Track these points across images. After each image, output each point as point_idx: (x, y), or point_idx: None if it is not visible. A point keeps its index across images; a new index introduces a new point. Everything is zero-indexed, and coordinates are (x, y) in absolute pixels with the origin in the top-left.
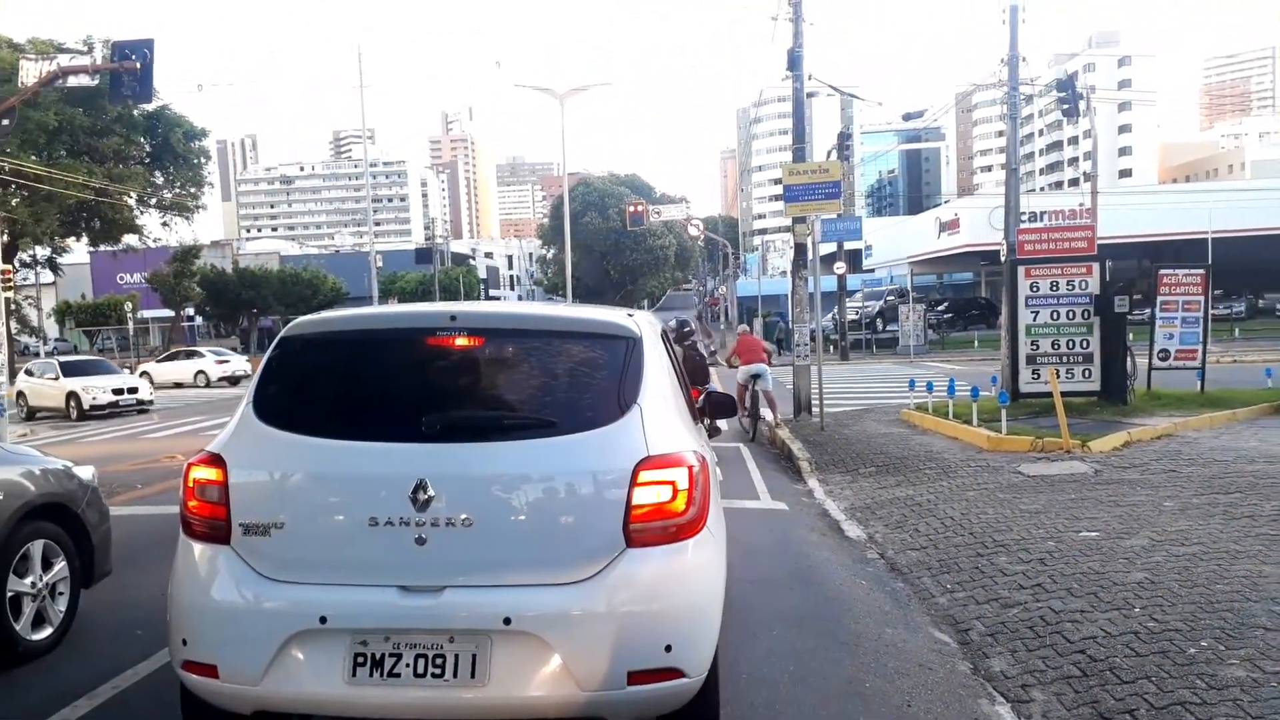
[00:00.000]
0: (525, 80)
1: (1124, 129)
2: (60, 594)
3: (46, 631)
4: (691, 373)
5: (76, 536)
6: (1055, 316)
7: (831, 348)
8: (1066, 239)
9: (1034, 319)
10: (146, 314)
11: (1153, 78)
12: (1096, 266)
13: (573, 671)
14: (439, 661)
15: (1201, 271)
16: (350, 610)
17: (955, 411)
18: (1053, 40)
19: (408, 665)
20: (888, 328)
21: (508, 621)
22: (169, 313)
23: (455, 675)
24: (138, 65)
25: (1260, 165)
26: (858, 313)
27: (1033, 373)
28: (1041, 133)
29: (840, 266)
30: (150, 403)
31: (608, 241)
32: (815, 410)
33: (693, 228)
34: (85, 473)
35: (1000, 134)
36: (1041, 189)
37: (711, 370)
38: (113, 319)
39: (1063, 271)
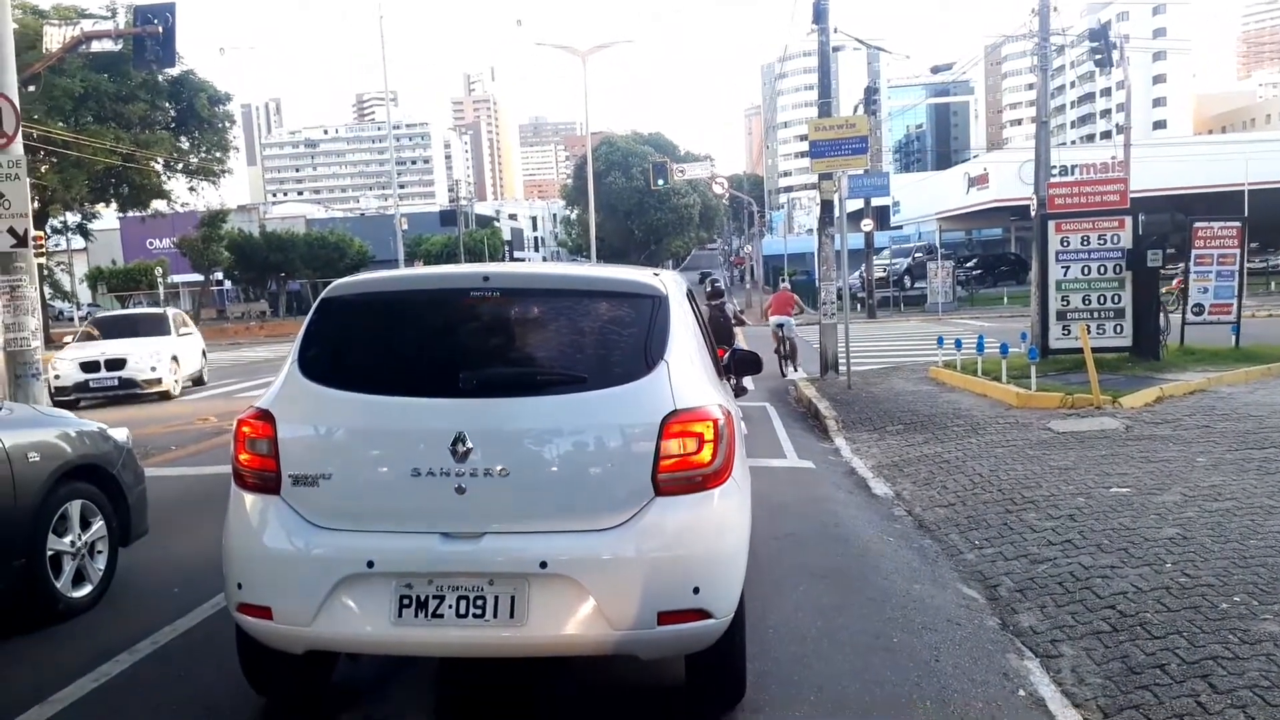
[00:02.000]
0: (546, 39)
1: (1158, 79)
2: (99, 553)
3: (86, 589)
4: (716, 332)
5: (113, 497)
6: (1086, 271)
7: (858, 306)
8: (1098, 192)
9: (1064, 274)
10: (176, 279)
11: (1189, 26)
12: (1129, 220)
13: (605, 612)
14: (480, 603)
15: (1237, 224)
16: (395, 555)
17: (984, 369)
18: None
19: (450, 606)
20: (915, 285)
21: (544, 565)
22: (199, 277)
23: (495, 615)
24: (160, 29)
25: None
26: (885, 270)
27: (1063, 329)
28: (1073, 84)
29: (868, 223)
30: (157, 383)
31: (631, 201)
32: (842, 369)
33: (717, 185)
34: (120, 435)
35: (1030, 86)
36: (1073, 142)
37: (739, 331)
38: (144, 284)
39: (1094, 225)
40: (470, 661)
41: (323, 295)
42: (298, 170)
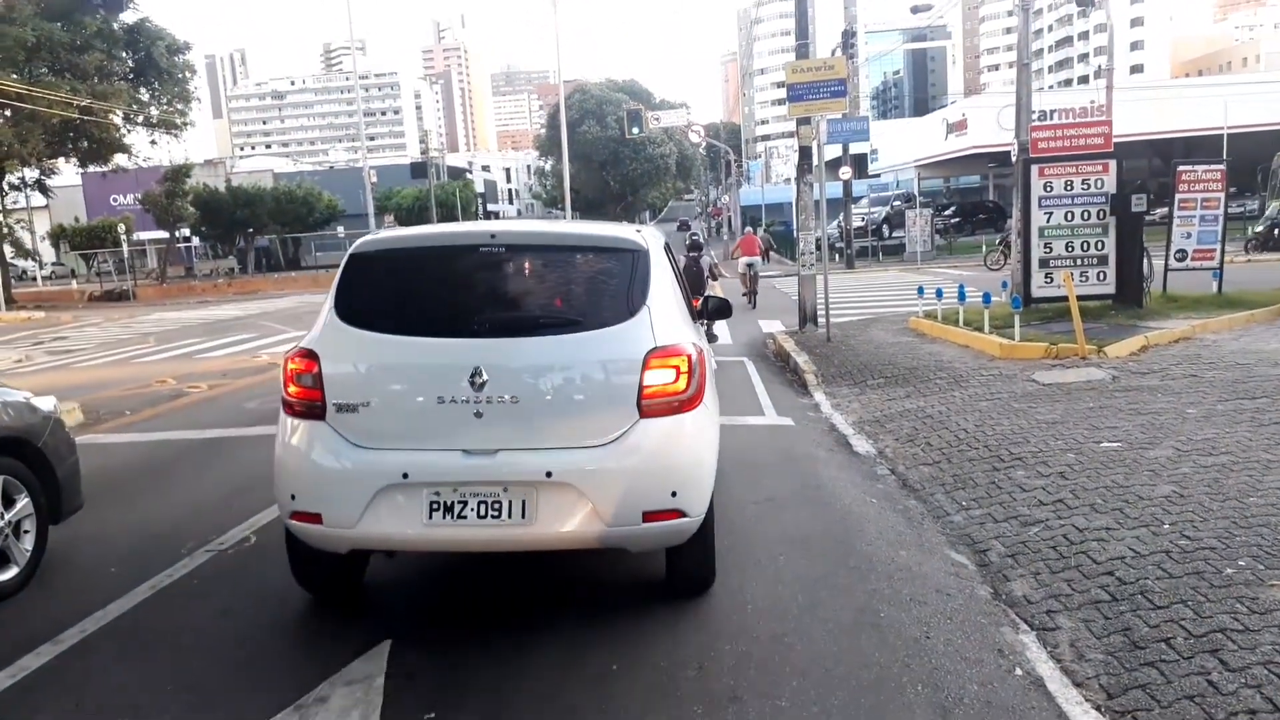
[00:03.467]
0: None
1: (1135, 22)
2: (25, 532)
3: (12, 572)
4: (691, 282)
5: (40, 471)
6: (1070, 218)
7: (836, 256)
8: (1082, 135)
9: (1047, 220)
10: (143, 235)
11: None
12: (1113, 164)
13: (600, 512)
14: (496, 506)
15: (1221, 167)
16: (426, 468)
17: (965, 319)
18: None
19: (472, 510)
20: (894, 234)
21: (549, 475)
22: (164, 234)
23: (509, 516)
24: None
25: (1275, 57)
26: (863, 219)
27: (1045, 276)
28: (1051, 28)
29: (845, 171)
30: None
31: (606, 151)
32: (821, 321)
33: (693, 133)
34: (46, 404)
35: (1009, 30)
36: (1051, 87)
37: (716, 284)
38: (108, 241)
39: (1077, 170)
40: (487, 556)
41: (350, 251)
42: (265, 123)
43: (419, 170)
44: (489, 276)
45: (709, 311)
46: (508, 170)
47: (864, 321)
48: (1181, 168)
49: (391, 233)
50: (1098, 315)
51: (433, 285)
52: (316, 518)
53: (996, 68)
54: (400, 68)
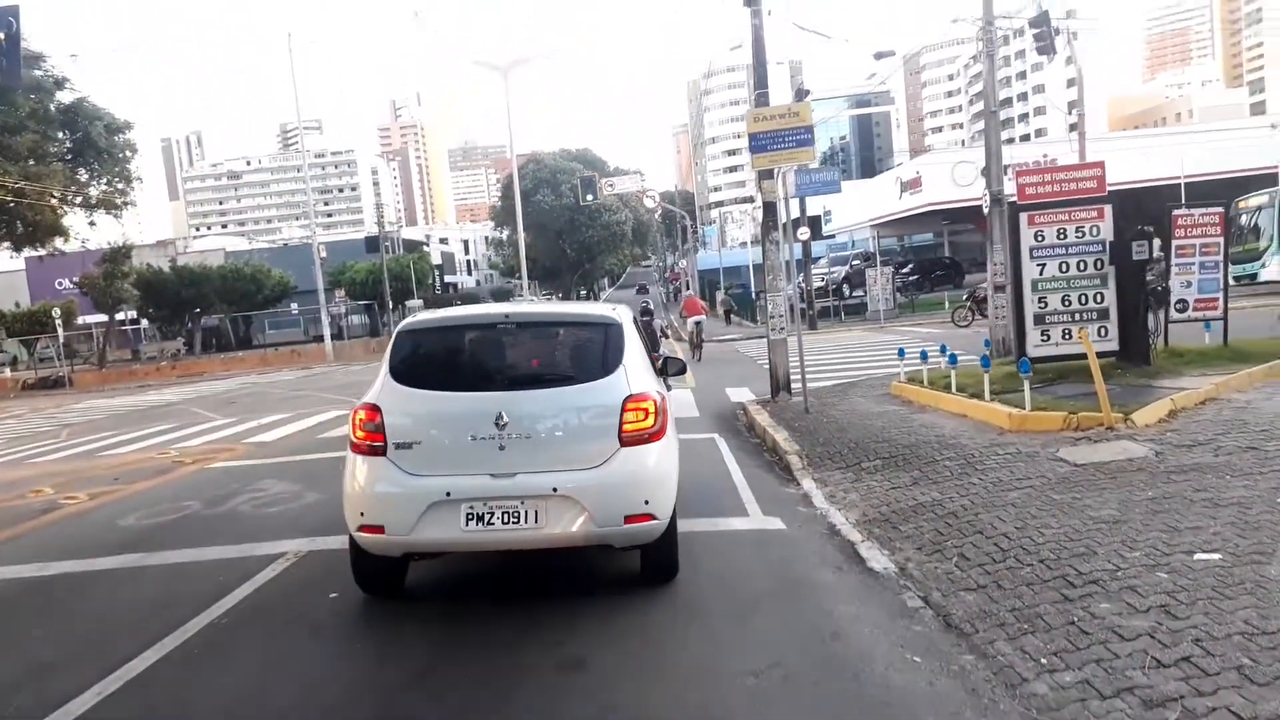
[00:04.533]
0: (467, 55)
1: (1071, 82)
2: None
3: None
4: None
5: None
6: (1064, 269)
7: (799, 317)
8: (1073, 179)
9: (1040, 272)
10: (90, 319)
11: (1099, 30)
12: (1108, 209)
13: (592, 517)
14: (516, 515)
15: (1220, 210)
16: (463, 488)
17: (958, 383)
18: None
19: (497, 518)
20: (854, 293)
21: (555, 490)
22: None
23: (526, 522)
24: (2, 36)
25: (1207, 111)
26: (824, 279)
27: (1042, 334)
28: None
29: (804, 232)
30: None
31: (562, 219)
32: (796, 388)
33: (648, 199)
34: None
35: (950, 94)
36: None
37: (666, 340)
38: (49, 327)
39: (1070, 216)
40: (507, 553)
41: (398, 329)
42: (221, 203)
43: (373, 244)
44: (505, 345)
45: (665, 364)
46: (466, 242)
47: (840, 387)
48: (1178, 212)
49: (430, 314)
50: (1104, 375)
51: (463, 352)
52: (380, 529)
53: (940, 129)
54: (357, 145)
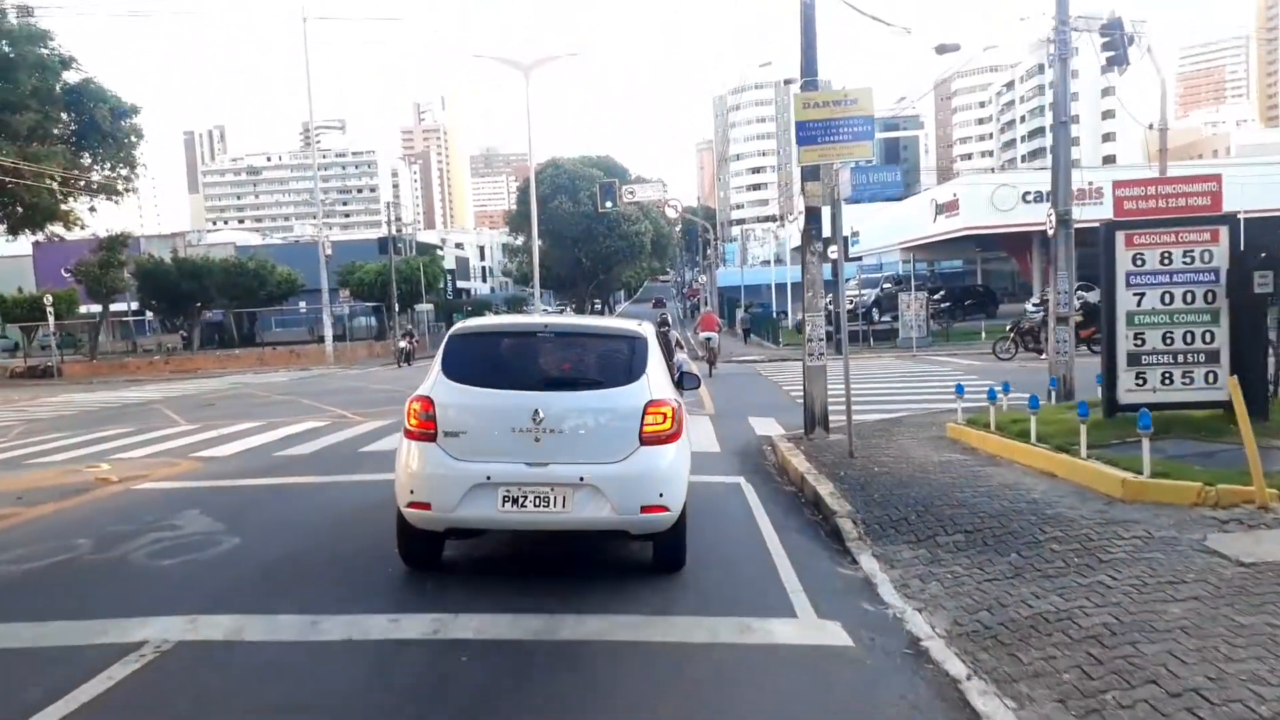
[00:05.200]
0: (488, 54)
1: (1107, 115)
2: None
3: None
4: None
5: None
6: (1168, 300)
7: (830, 341)
8: (1182, 194)
9: (1138, 303)
10: (95, 309)
11: (1135, 63)
12: (1224, 231)
13: (613, 505)
14: (546, 499)
15: None
16: (501, 474)
17: (1041, 432)
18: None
19: (530, 501)
20: (884, 318)
21: (581, 479)
22: (119, 307)
23: (555, 506)
24: None
25: (1245, 149)
26: (853, 302)
27: (1137, 377)
28: (1023, 119)
29: (834, 249)
30: None
31: (579, 228)
32: (835, 425)
33: (670, 209)
34: None
35: (981, 121)
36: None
37: (680, 352)
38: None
39: (1177, 238)
40: (539, 533)
41: (450, 334)
42: (239, 198)
43: (385, 245)
44: (543, 351)
45: (682, 377)
46: (482, 248)
47: (883, 424)
48: None
49: (479, 320)
50: (1213, 430)
51: (507, 356)
52: (427, 505)
53: (969, 156)
54: (378, 146)
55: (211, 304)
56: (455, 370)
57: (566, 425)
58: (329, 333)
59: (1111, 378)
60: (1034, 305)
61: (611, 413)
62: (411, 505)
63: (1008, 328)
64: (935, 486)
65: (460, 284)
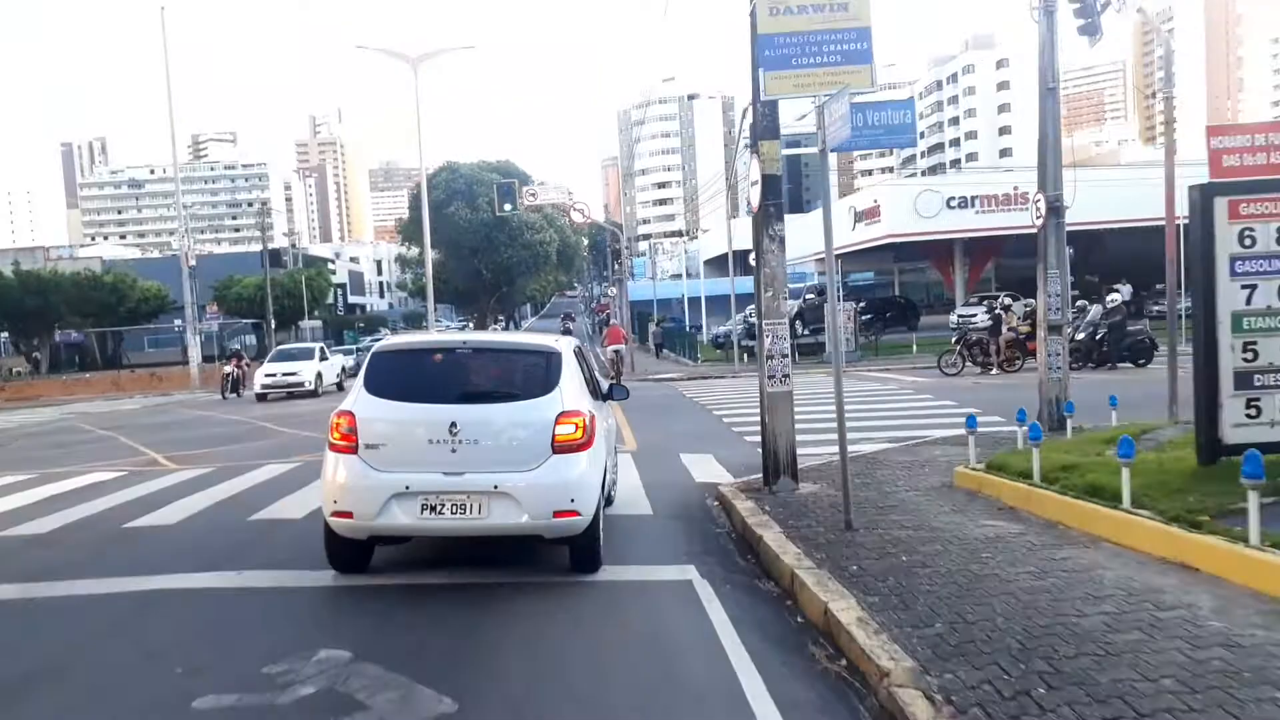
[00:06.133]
0: (372, 45)
1: (1004, 130)
2: None
3: None
4: None
5: None
6: None
7: (744, 356)
8: None
9: (1247, 299)
10: None
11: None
12: None
13: (527, 510)
14: (463, 506)
15: None
16: (420, 483)
17: (1096, 482)
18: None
19: (448, 509)
20: (806, 331)
21: (495, 487)
22: None
23: (471, 513)
24: None
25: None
26: None
27: (1249, 407)
28: (923, 134)
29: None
30: None
31: (478, 237)
32: (806, 475)
33: (576, 213)
34: None
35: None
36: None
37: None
38: None
39: None
40: (457, 540)
41: (373, 350)
42: (120, 212)
43: (271, 259)
44: (461, 367)
45: (612, 394)
46: (379, 262)
47: (857, 463)
48: None
49: (400, 337)
50: None
51: (426, 370)
52: (349, 514)
53: (869, 172)
54: (271, 159)
55: (61, 322)
56: (376, 385)
57: (482, 436)
58: (195, 353)
59: (1211, 407)
60: (960, 316)
61: (524, 424)
62: (335, 514)
63: (954, 340)
64: (1021, 599)
65: (355, 299)
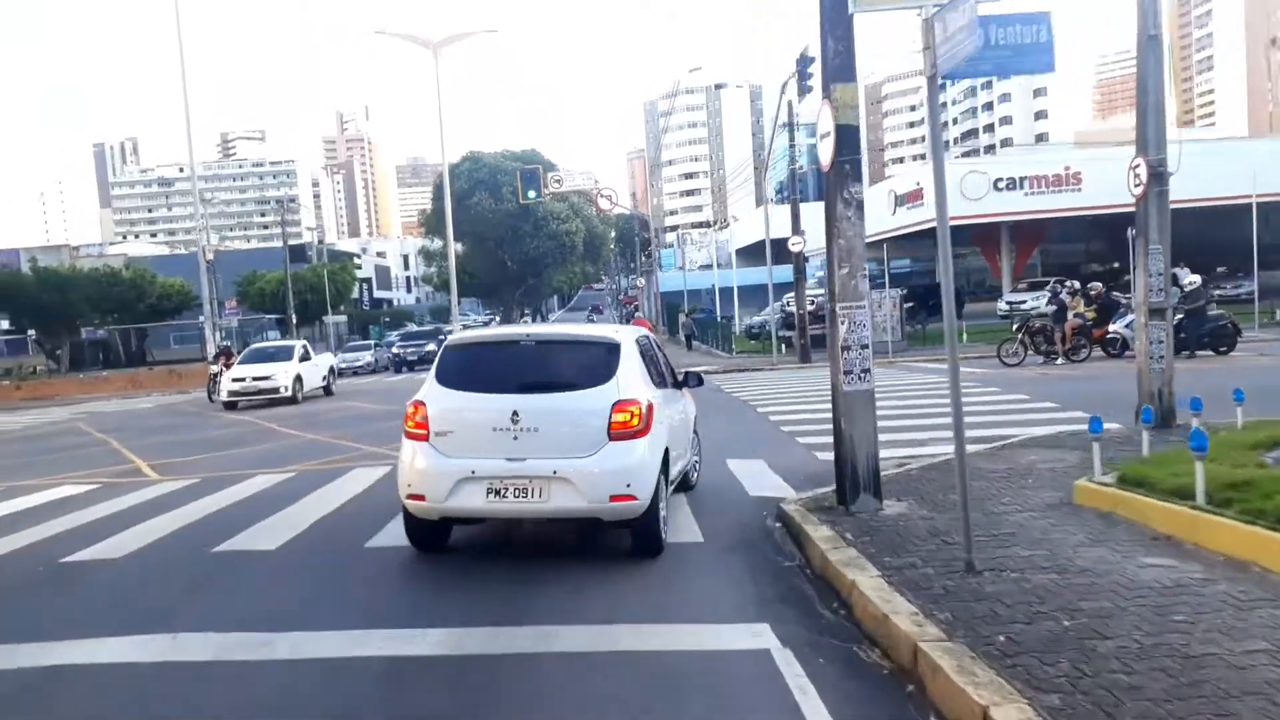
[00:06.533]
0: (391, 29)
1: (1040, 115)
2: None
3: None
4: None
5: None
6: None
7: (782, 347)
8: None
9: None
10: None
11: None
12: None
13: (586, 494)
14: (525, 490)
15: None
16: (484, 468)
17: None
18: None
19: (511, 493)
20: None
21: (555, 472)
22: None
23: (532, 496)
24: None
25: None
26: (814, 302)
27: None
28: (955, 121)
29: (797, 241)
30: None
31: (503, 228)
32: (886, 482)
33: (603, 199)
34: None
35: (912, 124)
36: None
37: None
38: None
39: None
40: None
41: (444, 345)
42: (150, 210)
43: (296, 254)
44: (524, 358)
45: (687, 382)
46: (405, 257)
47: (932, 472)
48: None
49: (470, 333)
50: None
51: (491, 362)
52: (422, 497)
53: (901, 160)
54: (299, 156)
55: (82, 319)
56: (446, 377)
57: (541, 424)
58: (211, 349)
59: None
60: (1007, 304)
61: (582, 412)
62: (410, 497)
63: (1015, 328)
64: None
65: (381, 294)
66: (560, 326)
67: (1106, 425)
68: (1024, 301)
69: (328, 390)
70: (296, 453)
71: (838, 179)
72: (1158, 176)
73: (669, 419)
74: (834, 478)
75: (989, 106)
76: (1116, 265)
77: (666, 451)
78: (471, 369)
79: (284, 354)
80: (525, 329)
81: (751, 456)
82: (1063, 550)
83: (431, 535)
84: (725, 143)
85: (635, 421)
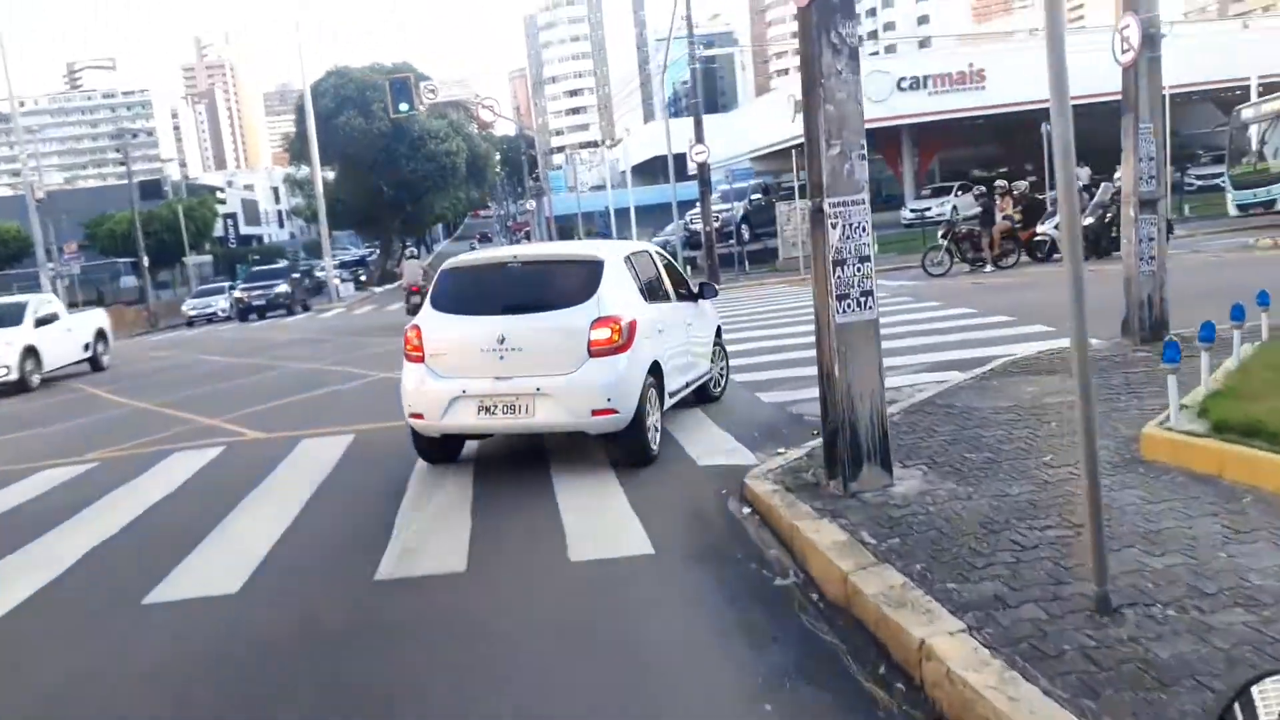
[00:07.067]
0: None
1: (922, 20)
2: None
3: None
4: None
5: None
6: None
7: (688, 267)
8: None
9: None
10: None
11: None
12: None
13: (569, 409)
14: (513, 407)
15: None
16: (474, 388)
17: None
18: None
19: (500, 409)
20: (757, 234)
21: (538, 390)
22: None
23: (520, 413)
24: None
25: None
26: (718, 218)
27: None
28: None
29: (700, 150)
30: None
31: (375, 149)
32: (889, 456)
33: (484, 110)
34: None
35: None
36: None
37: None
38: None
39: None
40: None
41: (441, 268)
42: None
43: (150, 190)
44: (511, 280)
45: (703, 294)
46: (276, 190)
47: (931, 414)
48: None
49: (463, 256)
50: None
51: (480, 285)
52: (421, 415)
53: (785, 71)
54: (154, 86)
55: None
56: (439, 301)
57: (525, 344)
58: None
59: None
60: (911, 211)
61: (562, 330)
62: (411, 415)
63: (940, 234)
64: None
65: (249, 229)
66: (548, 246)
67: (1065, 340)
68: (928, 209)
69: (96, 364)
70: (116, 428)
71: (824, 16)
72: (1150, 40)
73: (669, 332)
74: (802, 433)
75: (872, 13)
76: (1029, 168)
77: (659, 365)
78: (462, 293)
79: (12, 317)
80: (514, 250)
81: (680, 405)
82: (1210, 556)
83: (439, 451)
84: (609, 57)
85: (615, 338)
